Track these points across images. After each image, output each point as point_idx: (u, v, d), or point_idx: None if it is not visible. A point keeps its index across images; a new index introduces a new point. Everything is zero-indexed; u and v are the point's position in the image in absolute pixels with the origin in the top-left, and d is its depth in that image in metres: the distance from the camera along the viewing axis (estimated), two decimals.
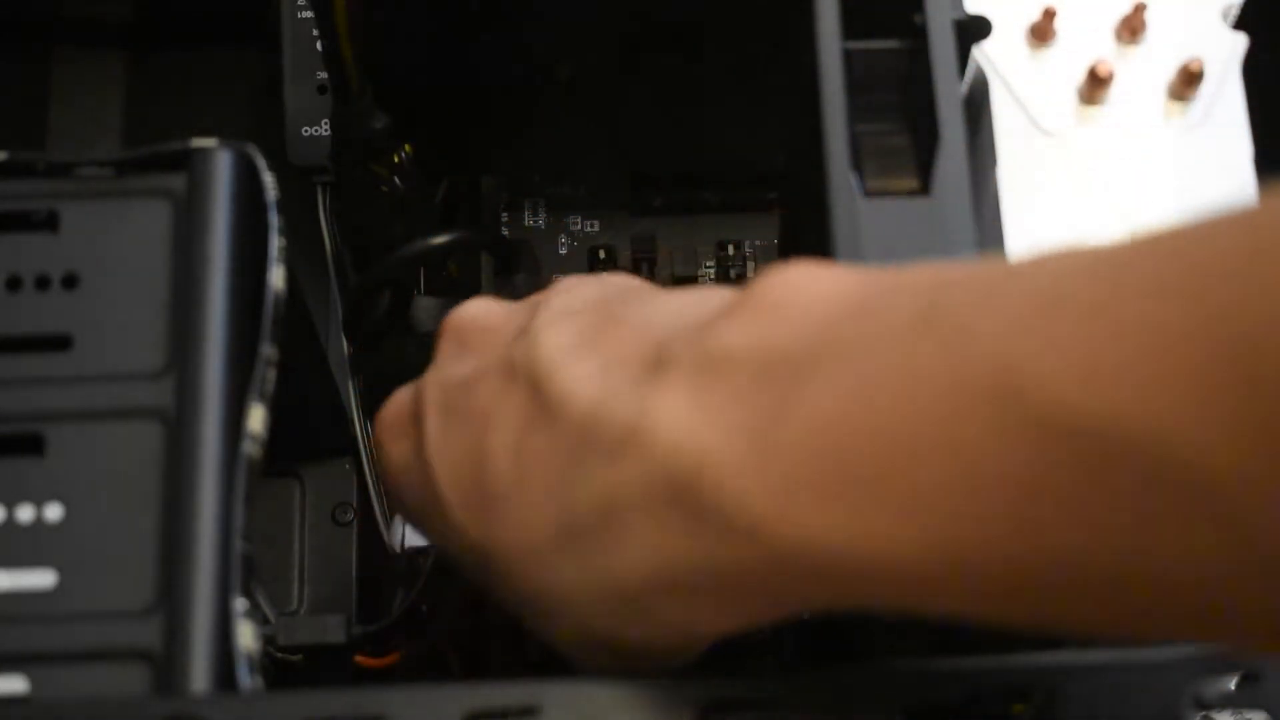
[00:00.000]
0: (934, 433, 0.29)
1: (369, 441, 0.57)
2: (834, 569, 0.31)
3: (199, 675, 0.36)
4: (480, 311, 0.41)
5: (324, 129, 0.57)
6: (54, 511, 0.37)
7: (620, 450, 0.33)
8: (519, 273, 0.58)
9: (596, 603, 0.34)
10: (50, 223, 0.40)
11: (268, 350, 0.40)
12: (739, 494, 0.31)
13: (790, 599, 0.33)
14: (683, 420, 0.32)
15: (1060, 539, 0.28)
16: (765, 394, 0.31)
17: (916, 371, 0.29)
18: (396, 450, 0.41)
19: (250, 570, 0.38)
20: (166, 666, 0.36)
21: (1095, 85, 0.45)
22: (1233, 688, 0.35)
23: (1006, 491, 0.28)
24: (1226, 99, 0.45)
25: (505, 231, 0.62)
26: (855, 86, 0.39)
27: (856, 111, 0.39)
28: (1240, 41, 0.46)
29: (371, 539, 0.56)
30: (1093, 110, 0.45)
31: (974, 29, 0.43)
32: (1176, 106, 0.45)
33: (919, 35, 0.40)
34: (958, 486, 0.29)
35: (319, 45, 0.53)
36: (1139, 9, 0.45)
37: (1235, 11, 0.47)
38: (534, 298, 0.41)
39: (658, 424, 0.32)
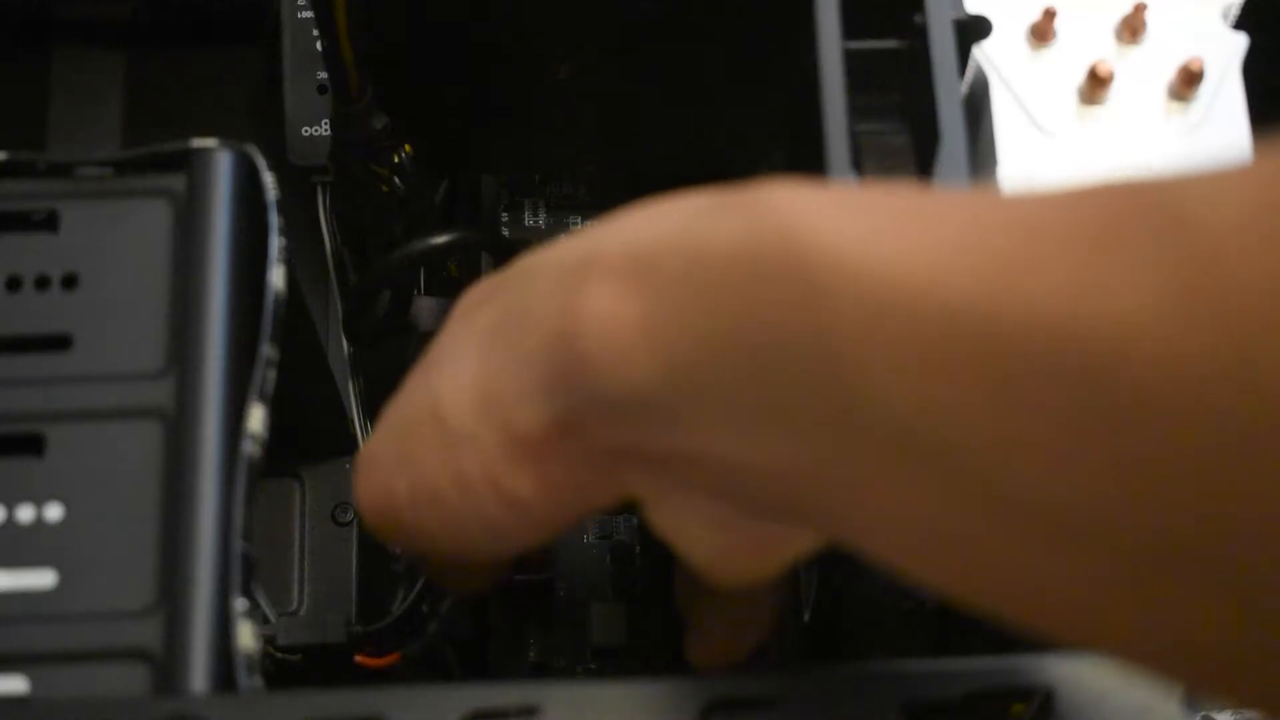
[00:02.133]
0: None
1: None
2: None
3: (199, 675, 0.36)
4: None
5: (324, 129, 0.57)
6: (54, 511, 0.37)
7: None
8: None
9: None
10: (50, 223, 0.40)
11: (268, 350, 0.40)
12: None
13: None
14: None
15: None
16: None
17: None
18: None
19: (250, 570, 0.38)
20: (166, 666, 0.36)
21: (1095, 85, 0.45)
22: None
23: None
24: (1226, 99, 0.45)
25: (505, 231, 0.62)
26: (855, 86, 0.39)
27: (857, 111, 0.39)
28: (1240, 41, 0.46)
29: (371, 539, 0.56)
30: (1093, 110, 0.45)
31: (974, 29, 0.43)
32: (1176, 106, 0.45)
33: (919, 35, 0.40)
34: None
35: (319, 45, 0.53)
36: (1139, 9, 0.45)
37: (1235, 11, 0.47)
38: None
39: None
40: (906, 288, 0.28)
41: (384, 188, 0.52)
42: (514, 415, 0.34)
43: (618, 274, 0.32)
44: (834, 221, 0.29)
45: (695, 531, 0.34)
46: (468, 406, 0.35)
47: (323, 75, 0.57)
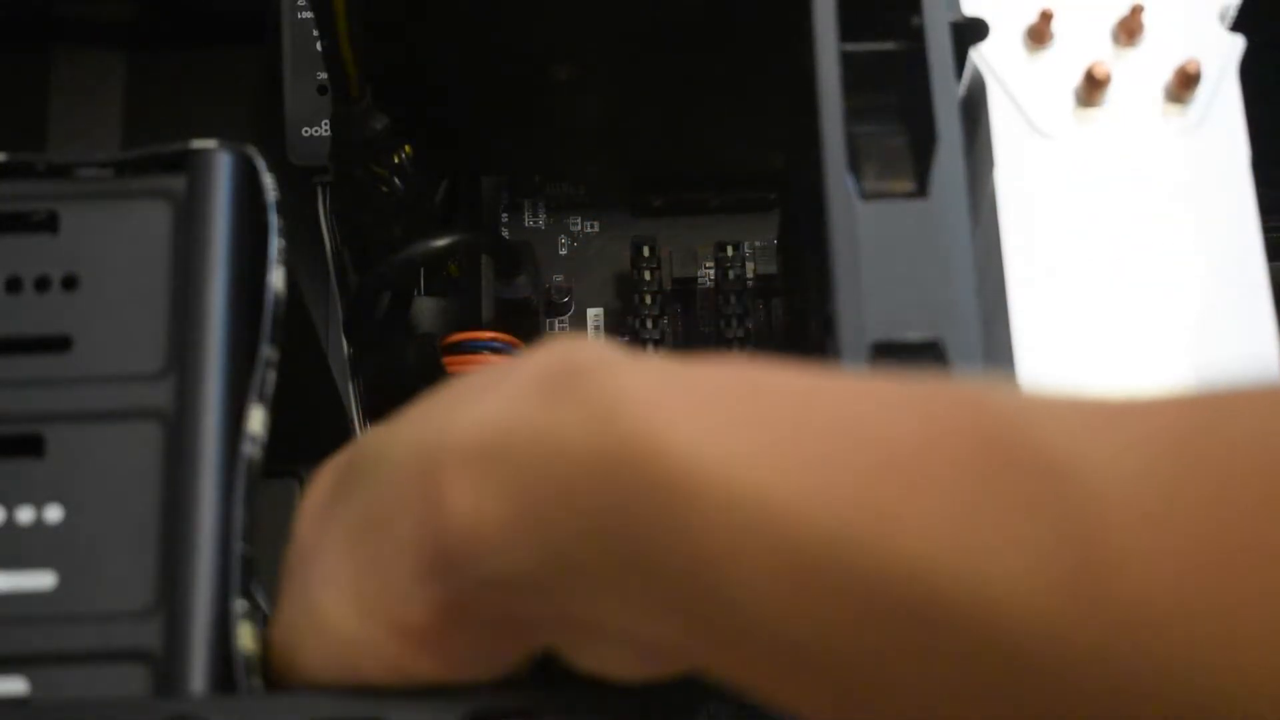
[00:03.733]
0: None
1: None
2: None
3: (198, 676, 0.36)
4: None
5: (324, 129, 0.57)
6: (54, 512, 0.38)
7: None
8: (520, 275, 0.58)
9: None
10: (50, 224, 0.40)
11: (268, 351, 0.40)
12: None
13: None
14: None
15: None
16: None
17: None
18: None
19: (250, 571, 0.38)
20: (166, 667, 0.36)
21: (1092, 87, 0.45)
22: None
23: None
24: (1223, 101, 0.45)
25: (505, 232, 0.62)
26: (853, 88, 0.40)
27: (854, 113, 0.39)
28: (1237, 43, 0.46)
29: None
30: (1090, 112, 0.45)
31: (971, 31, 0.43)
32: (1174, 108, 0.45)
33: (916, 37, 0.40)
34: None
35: (319, 45, 0.53)
36: (1136, 11, 0.45)
37: (1232, 13, 0.47)
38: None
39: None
40: (774, 510, 0.28)
41: (384, 188, 0.52)
42: (399, 611, 0.34)
43: (469, 467, 0.32)
44: (685, 424, 0.30)
45: (614, 669, 0.34)
46: (349, 612, 0.35)
47: (323, 75, 0.57)
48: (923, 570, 0.27)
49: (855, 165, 0.39)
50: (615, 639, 0.33)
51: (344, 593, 0.35)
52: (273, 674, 0.37)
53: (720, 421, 0.30)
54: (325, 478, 0.38)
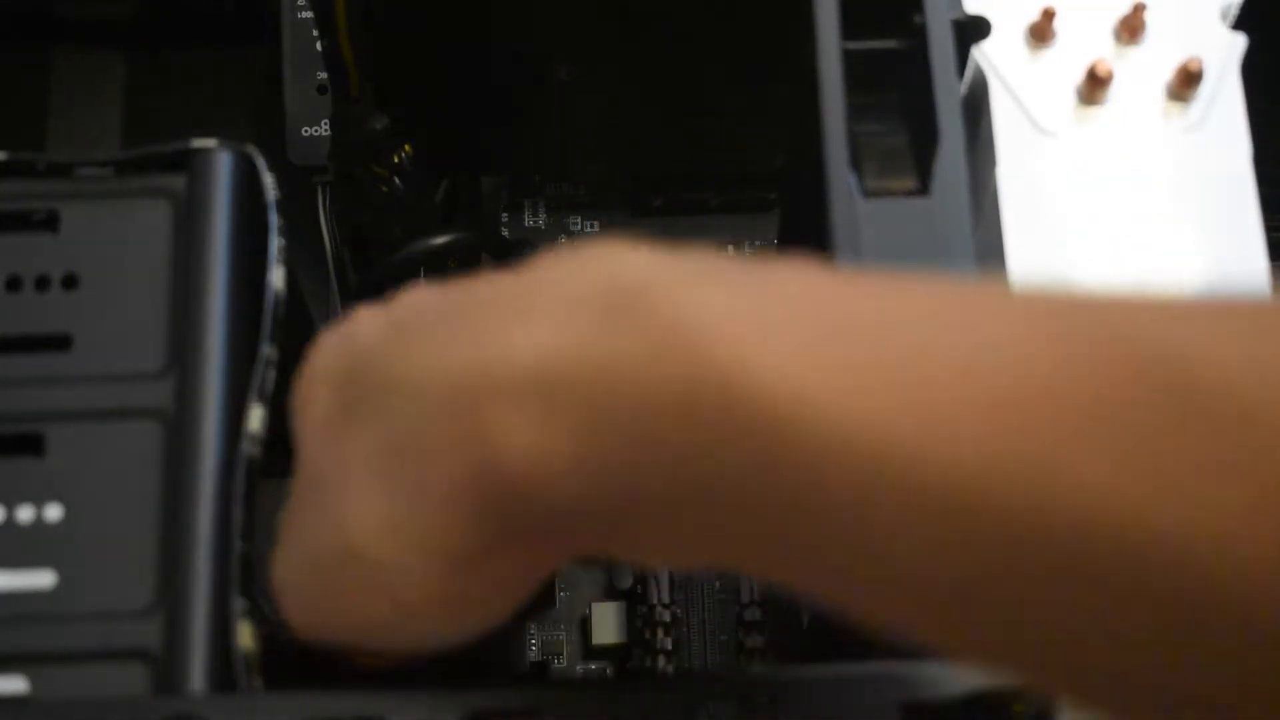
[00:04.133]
0: None
1: None
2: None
3: (198, 675, 0.36)
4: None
5: (324, 129, 0.57)
6: (54, 511, 0.38)
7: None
8: None
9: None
10: (50, 223, 0.40)
11: (268, 350, 0.40)
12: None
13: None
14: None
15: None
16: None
17: None
18: None
19: (250, 570, 0.38)
20: (166, 666, 0.36)
21: (1094, 85, 0.45)
22: None
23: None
24: (1225, 99, 0.45)
25: (505, 232, 0.62)
26: (854, 87, 0.39)
27: (856, 112, 0.39)
28: (1239, 41, 0.46)
29: None
30: (1092, 110, 0.45)
31: (973, 29, 0.43)
32: (1175, 107, 0.45)
33: (918, 35, 0.40)
34: None
35: (319, 45, 0.53)
36: (1138, 9, 0.45)
37: (1234, 12, 0.47)
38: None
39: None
40: (897, 449, 0.26)
41: (384, 188, 0.52)
42: (444, 540, 0.32)
43: (522, 401, 0.30)
44: (768, 351, 0.27)
45: (654, 566, 0.33)
46: (387, 542, 0.33)
47: (323, 75, 0.57)
48: (1089, 520, 0.25)
49: (857, 163, 0.39)
50: (675, 556, 0.32)
51: (381, 525, 0.33)
52: (289, 609, 0.36)
53: (811, 345, 0.27)
54: (323, 388, 0.36)
